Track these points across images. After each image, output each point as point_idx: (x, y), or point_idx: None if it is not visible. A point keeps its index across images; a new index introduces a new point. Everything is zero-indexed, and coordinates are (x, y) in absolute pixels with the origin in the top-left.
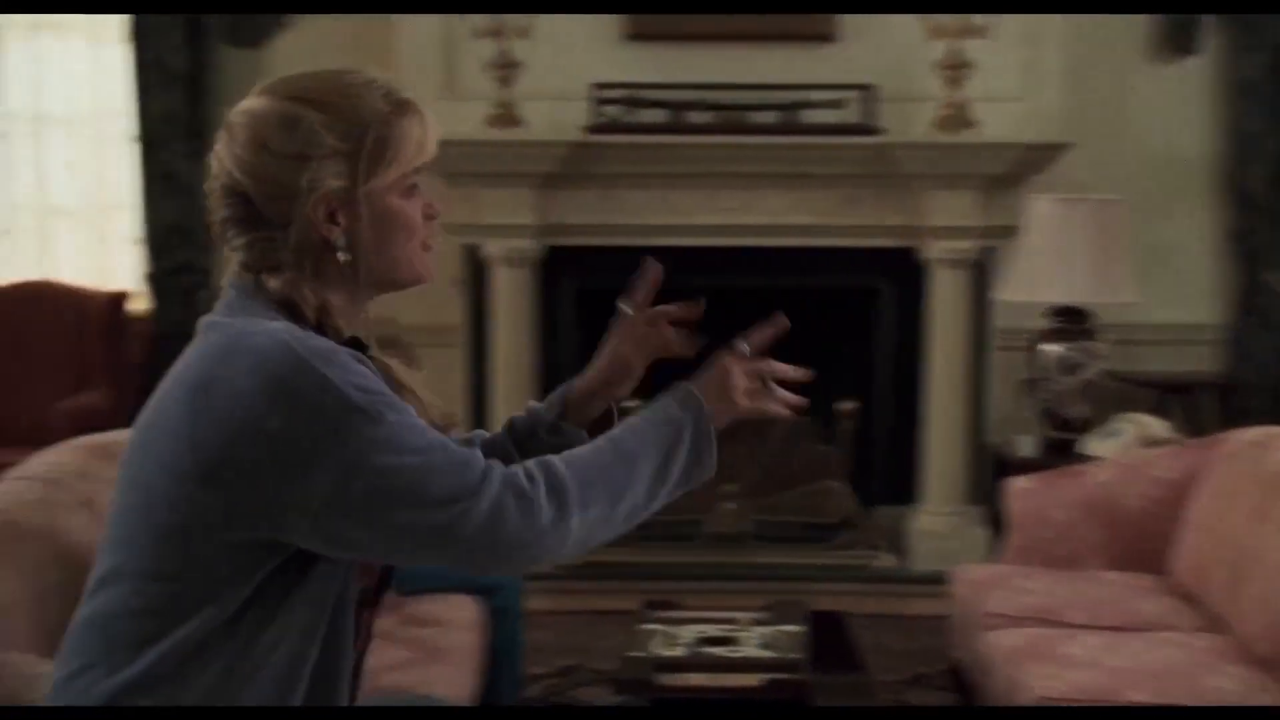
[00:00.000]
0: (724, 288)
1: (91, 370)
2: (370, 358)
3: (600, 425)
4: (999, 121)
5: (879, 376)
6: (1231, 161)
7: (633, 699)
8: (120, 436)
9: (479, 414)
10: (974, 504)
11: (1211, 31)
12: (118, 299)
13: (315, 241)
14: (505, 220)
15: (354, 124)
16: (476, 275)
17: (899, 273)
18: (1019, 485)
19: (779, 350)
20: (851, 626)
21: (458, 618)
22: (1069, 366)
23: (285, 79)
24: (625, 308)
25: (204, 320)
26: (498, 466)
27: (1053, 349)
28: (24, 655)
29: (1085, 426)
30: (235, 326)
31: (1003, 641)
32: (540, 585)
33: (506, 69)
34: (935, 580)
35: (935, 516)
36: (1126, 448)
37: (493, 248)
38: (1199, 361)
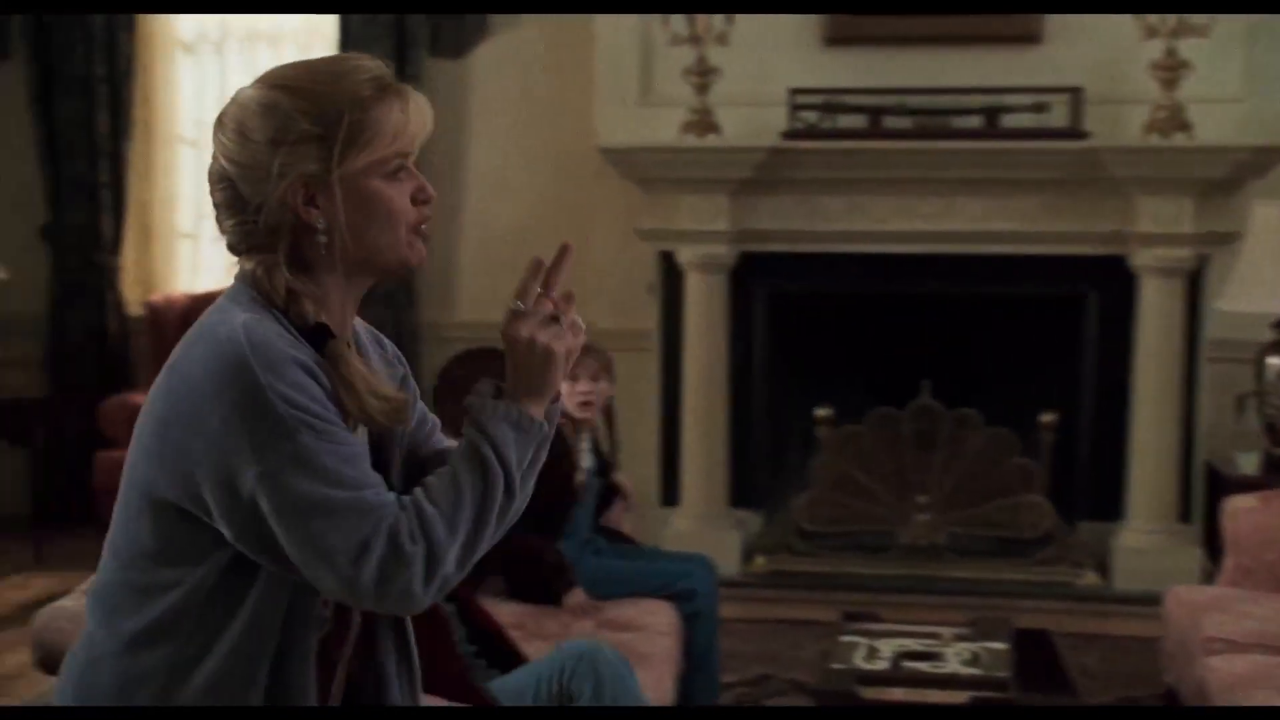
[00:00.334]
0: (921, 295)
1: None
2: (326, 352)
3: None
4: (1215, 124)
5: (1083, 388)
6: None
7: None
8: None
9: (670, 417)
10: (1184, 522)
11: None
12: None
13: (287, 224)
14: (700, 226)
15: (329, 108)
16: (670, 281)
17: (1106, 281)
18: (1239, 504)
19: (980, 358)
20: (1057, 646)
21: (655, 622)
22: None
23: (274, 68)
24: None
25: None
26: (386, 521)
27: (1277, 362)
28: None
29: None
30: (215, 314)
31: (1225, 668)
32: (732, 592)
33: (704, 75)
34: (1144, 601)
35: (1142, 534)
36: None
37: (687, 254)
38: None
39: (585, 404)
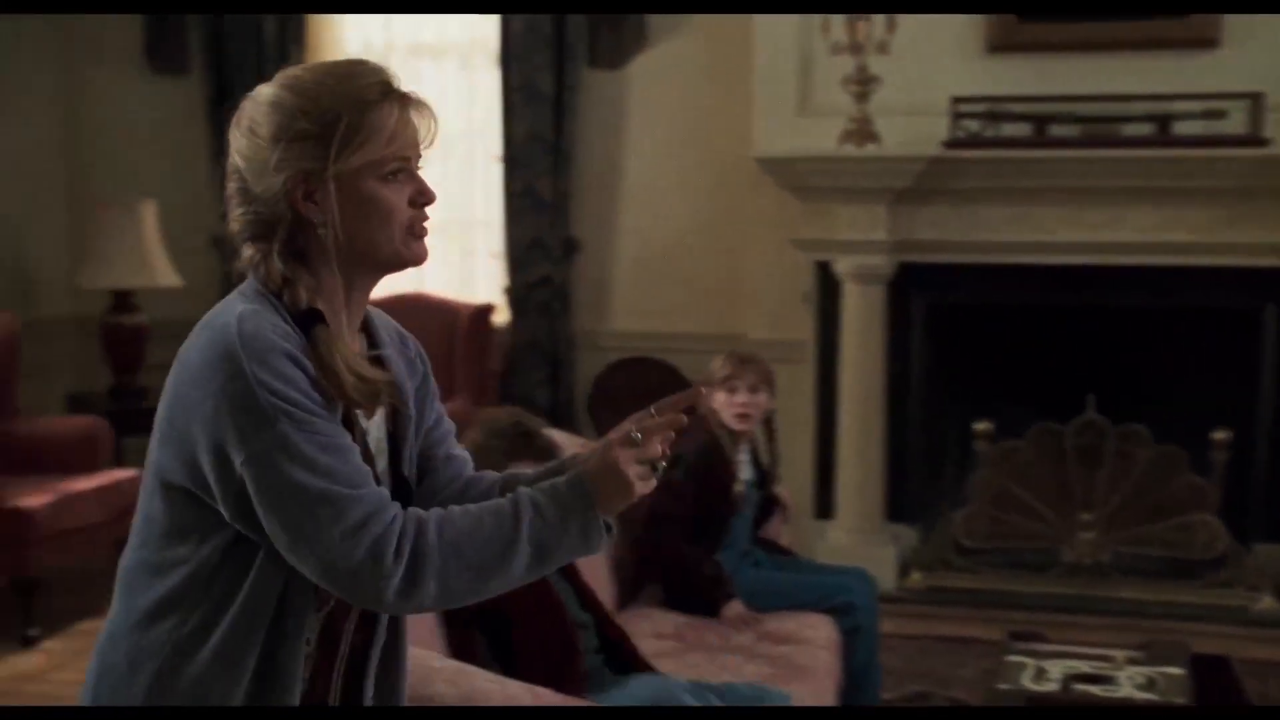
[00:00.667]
0: (1086, 307)
1: (456, 379)
2: (311, 335)
3: None
4: None
5: (1259, 404)
6: None
7: None
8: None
9: (825, 429)
10: None
11: None
12: (484, 311)
13: (285, 216)
14: (858, 236)
15: (329, 109)
16: (827, 291)
17: None
18: None
19: (1148, 373)
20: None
21: (815, 636)
22: None
23: (290, 69)
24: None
25: None
26: (371, 521)
27: None
28: (424, 650)
29: None
30: (222, 304)
31: None
32: (888, 608)
33: (864, 84)
34: None
35: None
36: None
37: (844, 264)
38: None
39: (743, 415)
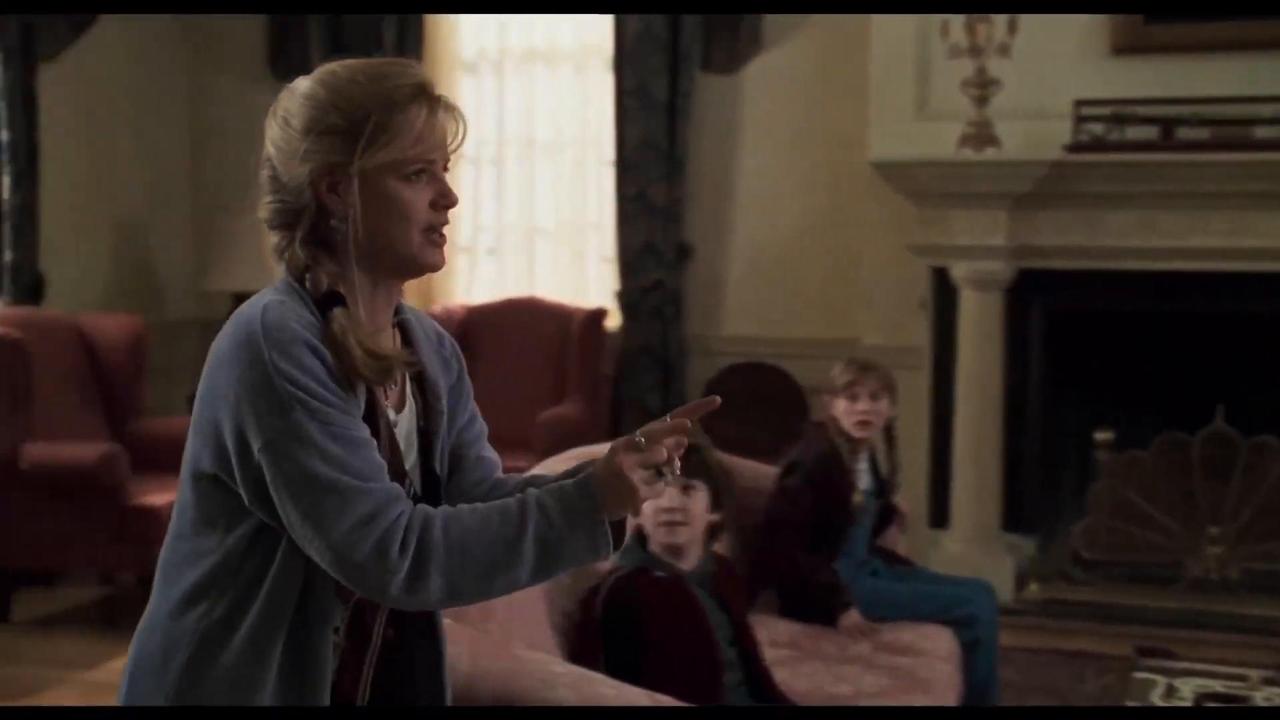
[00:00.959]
0: (1214, 315)
1: (568, 383)
2: (329, 318)
3: None
4: None
5: None
6: None
7: None
8: (603, 449)
9: (941, 436)
10: None
11: None
12: (597, 315)
13: (310, 206)
14: (976, 241)
15: (359, 106)
16: (943, 297)
17: None
18: None
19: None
20: None
21: (934, 648)
22: None
23: (330, 64)
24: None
25: None
26: (382, 515)
27: None
28: (544, 655)
29: None
30: (255, 296)
31: None
32: (1005, 620)
33: (983, 87)
34: None
35: None
36: None
37: (962, 269)
38: None
39: (864, 423)
